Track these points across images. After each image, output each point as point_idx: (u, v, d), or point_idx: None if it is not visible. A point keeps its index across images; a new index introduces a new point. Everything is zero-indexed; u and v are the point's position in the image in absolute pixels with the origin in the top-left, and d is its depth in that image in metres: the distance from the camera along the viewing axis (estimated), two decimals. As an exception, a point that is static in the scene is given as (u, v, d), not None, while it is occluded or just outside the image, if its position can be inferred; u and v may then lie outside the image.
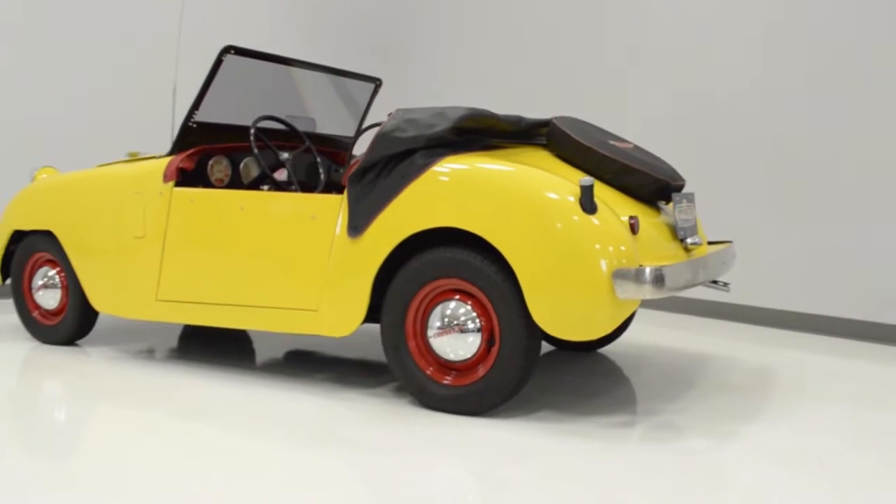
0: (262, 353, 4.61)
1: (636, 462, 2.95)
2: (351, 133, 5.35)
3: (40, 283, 4.64)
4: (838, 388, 4.03)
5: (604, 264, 3.16)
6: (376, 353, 4.58)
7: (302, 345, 4.81)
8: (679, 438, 3.22)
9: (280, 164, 4.52)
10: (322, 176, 4.70)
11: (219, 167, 4.39)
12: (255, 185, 4.53)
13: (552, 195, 3.28)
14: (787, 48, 5.46)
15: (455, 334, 3.41)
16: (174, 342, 4.83)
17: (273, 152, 4.47)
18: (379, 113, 5.93)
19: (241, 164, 4.54)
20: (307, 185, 4.70)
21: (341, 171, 4.80)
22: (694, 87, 5.90)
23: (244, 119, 4.57)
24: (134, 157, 4.72)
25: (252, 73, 4.56)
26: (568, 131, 3.78)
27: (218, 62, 4.14)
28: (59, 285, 4.60)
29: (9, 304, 5.68)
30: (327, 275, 3.67)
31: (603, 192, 3.61)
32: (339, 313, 3.64)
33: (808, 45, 5.37)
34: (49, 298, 4.63)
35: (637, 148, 4.02)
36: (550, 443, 3.14)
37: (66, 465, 2.86)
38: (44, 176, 4.85)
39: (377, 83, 5.43)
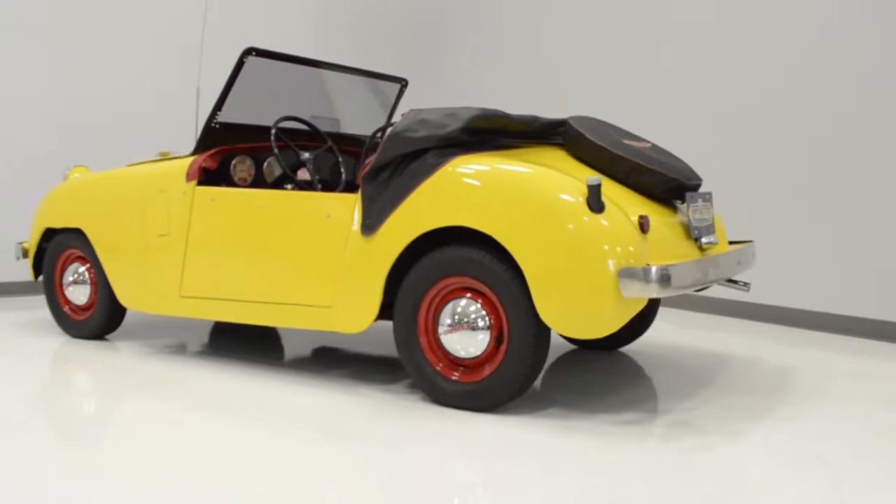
0: (289, 350, 4.69)
1: (637, 460, 2.97)
2: None
3: (70, 279, 4.77)
4: (857, 389, 4.00)
5: (609, 263, 3.18)
6: (396, 350, 4.64)
7: (329, 342, 4.88)
8: (684, 437, 3.23)
9: (301, 164, 4.59)
10: (343, 175, 4.76)
11: (242, 167, 4.48)
12: (277, 184, 4.62)
13: (559, 194, 3.30)
14: (809, 49, 5.42)
15: (465, 331, 3.45)
16: (204, 338, 4.94)
17: (294, 152, 4.54)
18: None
19: (265, 164, 4.63)
20: (331, 184, 4.78)
21: None
22: (719, 87, 5.87)
23: (270, 120, 4.65)
24: (164, 157, 4.83)
25: (278, 74, 4.65)
26: (582, 131, 3.80)
27: (240, 64, 4.23)
28: (89, 281, 4.72)
29: (42, 300, 5.85)
30: (342, 272, 3.73)
31: (616, 191, 3.63)
32: (352, 310, 3.70)
33: (826, 46, 5.33)
34: (79, 294, 4.76)
35: (655, 148, 4.03)
36: (556, 440, 3.17)
37: (93, 455, 2.96)
38: (76, 175, 4.98)
39: (403, 83, 5.49)
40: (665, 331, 5.34)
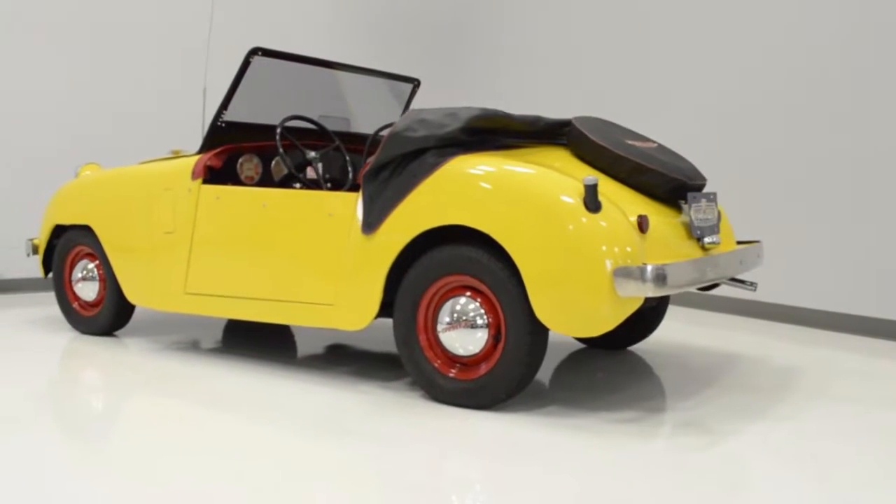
0: (299, 347, 4.72)
1: (633, 458, 2.97)
2: None
3: (80, 275, 4.82)
4: (861, 389, 3.99)
5: (605, 262, 3.19)
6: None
7: (338, 339, 4.91)
8: (682, 436, 3.23)
9: (307, 163, 4.62)
10: (351, 175, 4.79)
11: (249, 165, 4.52)
12: (285, 182, 4.65)
13: (556, 193, 3.31)
14: (811, 48, 5.40)
15: (463, 329, 3.47)
16: (212, 334, 4.98)
17: (300, 151, 4.57)
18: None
19: (273, 163, 4.66)
20: (339, 183, 4.81)
21: None
22: (728, 88, 5.86)
23: (280, 119, 4.68)
24: (176, 155, 4.87)
25: (290, 73, 4.68)
26: (585, 131, 3.81)
27: (245, 63, 4.26)
28: (97, 278, 4.78)
29: (53, 297, 5.91)
30: (343, 270, 3.76)
31: (617, 191, 3.64)
32: (353, 308, 3.73)
33: (828, 46, 5.30)
34: (88, 290, 4.81)
35: (660, 148, 4.03)
36: (555, 438, 3.17)
37: (100, 451, 3.00)
38: (87, 173, 5.04)
39: (415, 83, 5.51)
40: (675, 329, 5.33)
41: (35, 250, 5.08)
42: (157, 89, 6.53)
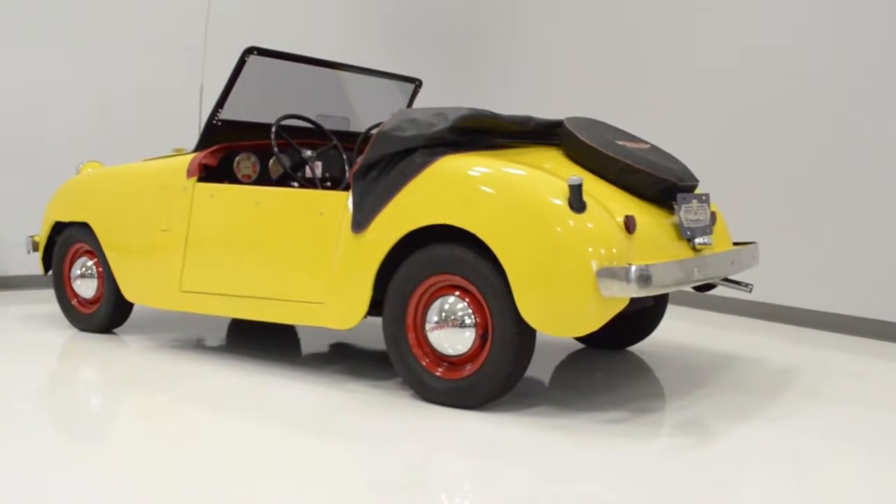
0: (304, 346, 4.74)
1: (611, 458, 2.97)
2: None
3: (78, 272, 4.86)
4: (852, 390, 3.97)
5: (589, 262, 3.19)
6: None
7: (344, 338, 4.93)
8: (663, 436, 3.23)
9: (304, 162, 4.64)
10: (347, 174, 4.81)
11: (246, 164, 4.54)
12: (282, 181, 4.67)
13: (541, 193, 3.32)
14: (813, 51, 5.37)
15: (450, 328, 3.48)
16: (209, 332, 5.01)
17: (296, 150, 4.59)
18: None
19: (270, 161, 4.68)
20: (339, 182, 4.83)
21: None
22: (726, 89, 5.84)
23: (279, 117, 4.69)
24: (179, 153, 4.90)
25: (290, 73, 4.70)
26: (575, 131, 3.81)
27: (241, 63, 4.28)
28: (96, 275, 4.81)
29: (53, 294, 5.96)
30: (333, 269, 3.77)
31: (606, 192, 3.63)
32: (343, 306, 3.75)
33: (831, 48, 5.27)
34: (86, 288, 4.85)
35: (653, 149, 4.02)
36: (536, 437, 3.18)
37: (96, 447, 3.04)
38: (88, 170, 5.08)
39: (417, 83, 5.52)
40: (674, 329, 5.33)
41: (35, 247, 5.12)
42: (161, 88, 6.56)
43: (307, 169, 4.73)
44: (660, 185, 3.71)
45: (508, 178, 3.40)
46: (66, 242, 4.95)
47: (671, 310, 6.09)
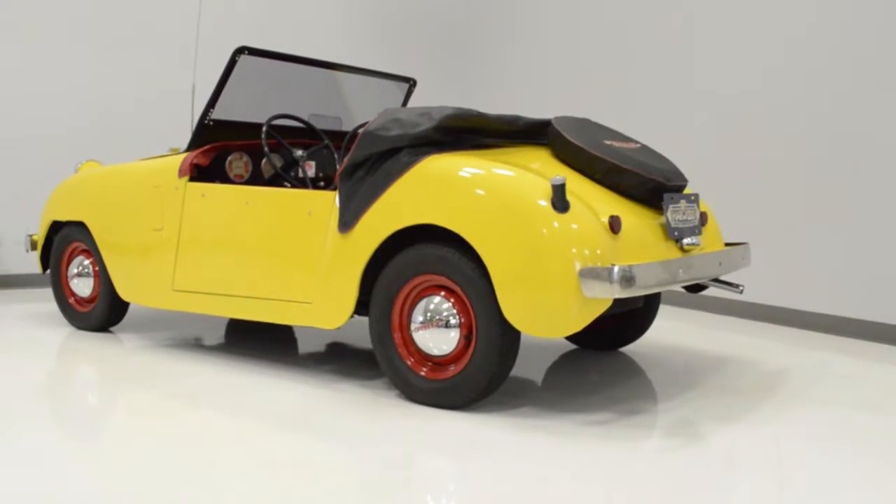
0: (301, 345, 4.76)
1: (595, 459, 2.97)
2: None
3: (75, 271, 4.90)
4: (842, 392, 3.95)
5: (572, 262, 3.18)
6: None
7: (340, 337, 4.95)
8: (646, 438, 3.22)
9: (295, 162, 4.66)
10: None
11: (238, 163, 4.56)
12: (274, 181, 4.68)
13: (525, 194, 3.32)
14: (813, 53, 5.35)
15: (435, 329, 3.49)
16: (204, 332, 5.04)
17: (288, 150, 4.61)
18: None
19: (262, 161, 4.70)
20: (331, 181, 4.84)
21: None
22: (721, 90, 5.83)
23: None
24: (174, 153, 4.93)
25: (283, 72, 4.71)
26: (562, 131, 3.81)
27: (232, 62, 4.30)
28: (92, 274, 4.85)
29: (51, 292, 6.01)
30: (321, 269, 3.79)
31: (592, 192, 3.63)
32: (330, 306, 3.76)
33: (831, 49, 5.25)
34: (83, 286, 4.88)
35: (642, 149, 4.00)
36: (520, 438, 3.18)
37: (91, 445, 3.06)
38: (86, 170, 5.11)
39: (411, 83, 5.52)
40: (666, 330, 5.32)
41: (34, 246, 5.16)
42: (161, 88, 6.59)
43: (299, 169, 4.74)
44: (647, 185, 3.70)
45: (493, 179, 3.40)
46: (63, 241, 4.99)
47: (663, 310, 6.09)
